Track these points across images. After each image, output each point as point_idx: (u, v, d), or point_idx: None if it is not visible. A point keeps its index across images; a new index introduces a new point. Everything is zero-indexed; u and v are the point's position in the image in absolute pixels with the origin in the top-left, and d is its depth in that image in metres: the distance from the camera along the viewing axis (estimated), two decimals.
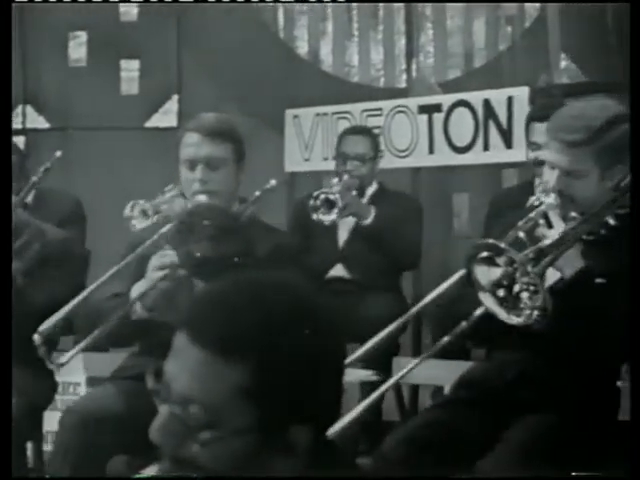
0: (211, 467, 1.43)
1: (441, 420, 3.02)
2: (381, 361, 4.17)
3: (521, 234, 2.77)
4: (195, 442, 1.42)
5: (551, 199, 2.85)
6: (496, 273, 2.69)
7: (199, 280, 3.06)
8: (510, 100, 5.15)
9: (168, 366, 1.46)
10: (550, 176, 2.90)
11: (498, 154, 5.21)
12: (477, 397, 3.05)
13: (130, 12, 6.33)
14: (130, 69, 6.39)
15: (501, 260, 2.67)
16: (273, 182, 3.34)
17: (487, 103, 5.24)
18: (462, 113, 5.34)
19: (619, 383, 3.09)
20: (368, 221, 4.90)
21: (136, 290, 3.14)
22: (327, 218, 4.78)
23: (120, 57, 6.40)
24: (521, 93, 5.14)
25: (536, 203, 2.87)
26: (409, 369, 3.00)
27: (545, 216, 2.83)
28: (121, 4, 6.37)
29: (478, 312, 2.83)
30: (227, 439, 1.42)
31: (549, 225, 2.82)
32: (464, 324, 2.85)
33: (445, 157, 5.41)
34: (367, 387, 4.46)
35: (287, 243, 3.41)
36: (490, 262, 2.69)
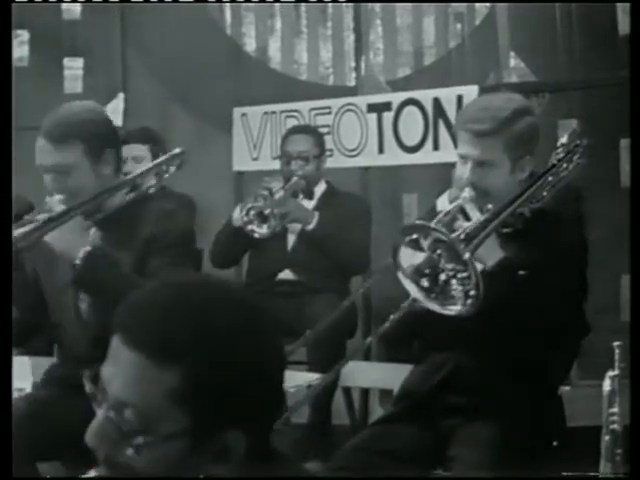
0: (146, 472, 1.42)
1: (379, 442, 2.99)
2: (328, 364, 4.12)
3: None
4: (129, 447, 1.41)
5: (466, 193, 2.91)
6: (419, 258, 2.70)
7: None
8: (460, 99, 5.11)
9: (104, 370, 1.45)
10: (463, 170, 2.95)
11: (448, 154, 5.16)
12: (411, 409, 3.04)
13: (73, 9, 6.22)
14: (74, 67, 6.28)
15: (426, 244, 2.70)
16: None
17: (437, 102, 5.19)
18: (412, 112, 5.29)
19: (567, 388, 3.10)
20: (311, 226, 4.85)
21: None
22: (259, 231, 4.74)
23: (63, 55, 6.30)
24: (470, 92, 5.10)
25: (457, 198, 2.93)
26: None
27: (462, 210, 2.88)
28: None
29: (399, 312, 2.84)
30: (160, 444, 1.41)
31: (466, 218, 2.87)
32: (386, 325, 2.87)
33: (395, 157, 5.36)
34: (315, 391, 4.43)
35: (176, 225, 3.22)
36: (416, 246, 2.72)
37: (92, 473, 1.51)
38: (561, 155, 3.08)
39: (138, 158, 5.06)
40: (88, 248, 2.95)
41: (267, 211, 4.70)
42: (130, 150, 4.98)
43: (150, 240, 3.10)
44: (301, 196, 4.93)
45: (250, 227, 4.72)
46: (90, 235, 3.06)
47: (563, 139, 3.14)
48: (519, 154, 2.96)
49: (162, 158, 3.40)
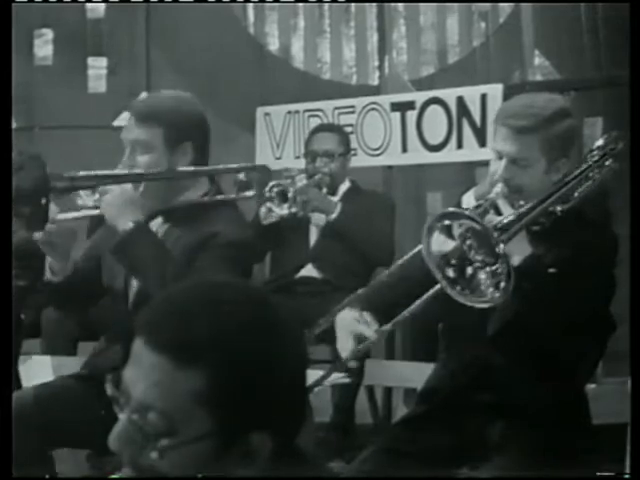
0: (171, 475, 1.41)
1: (403, 442, 2.98)
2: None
3: None
4: (153, 450, 1.40)
5: (498, 188, 2.90)
6: (449, 246, 2.71)
7: None
8: (484, 97, 5.08)
9: (127, 373, 1.44)
10: (497, 165, 2.94)
11: (472, 152, 5.15)
12: (436, 409, 3.02)
13: (97, 8, 6.24)
14: (97, 67, 6.29)
15: (458, 232, 2.69)
16: None
17: (460, 100, 5.17)
18: (435, 111, 5.27)
19: (593, 386, 3.08)
20: (334, 216, 4.84)
21: None
22: (277, 211, 4.72)
23: (87, 54, 6.31)
24: (495, 90, 5.08)
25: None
26: None
27: (494, 205, 2.87)
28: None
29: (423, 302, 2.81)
30: (185, 446, 1.40)
31: (498, 213, 2.86)
32: (405, 313, 2.83)
33: (418, 155, 5.34)
34: (339, 390, 4.42)
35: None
36: (448, 233, 2.70)
37: (117, 476, 1.50)
38: (596, 158, 3.05)
39: None
40: (135, 220, 2.92)
41: (290, 193, 4.69)
42: None
43: (214, 235, 2.99)
44: (325, 190, 4.92)
45: (269, 205, 4.71)
46: (139, 210, 3.00)
47: (599, 142, 3.11)
48: (556, 155, 2.93)
49: (237, 166, 3.44)
